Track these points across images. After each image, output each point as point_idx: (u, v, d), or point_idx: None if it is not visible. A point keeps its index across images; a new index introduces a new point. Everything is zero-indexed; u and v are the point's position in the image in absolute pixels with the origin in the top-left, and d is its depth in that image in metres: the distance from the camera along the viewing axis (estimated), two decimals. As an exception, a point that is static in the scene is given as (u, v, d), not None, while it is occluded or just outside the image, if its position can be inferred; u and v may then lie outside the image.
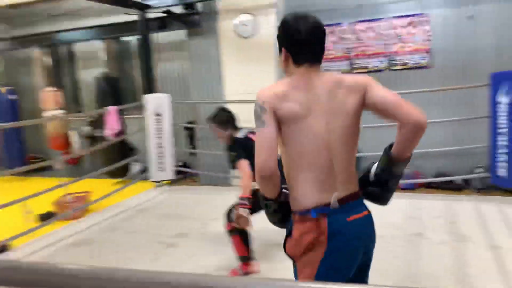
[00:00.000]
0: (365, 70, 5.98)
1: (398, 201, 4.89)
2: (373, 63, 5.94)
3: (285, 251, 1.73)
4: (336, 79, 1.64)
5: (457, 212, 4.48)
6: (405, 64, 5.79)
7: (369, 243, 1.72)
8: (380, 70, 5.91)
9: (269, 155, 1.54)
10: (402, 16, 5.72)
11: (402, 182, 5.49)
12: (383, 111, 1.61)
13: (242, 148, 3.05)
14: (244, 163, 2.97)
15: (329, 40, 6.11)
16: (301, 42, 1.62)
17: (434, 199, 5.01)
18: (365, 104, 1.64)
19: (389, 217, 4.45)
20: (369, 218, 1.71)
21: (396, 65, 5.84)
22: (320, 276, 1.59)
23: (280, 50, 1.70)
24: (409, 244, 3.75)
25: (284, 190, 1.70)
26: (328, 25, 6.08)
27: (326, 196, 1.61)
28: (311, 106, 1.59)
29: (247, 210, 2.80)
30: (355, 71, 6.02)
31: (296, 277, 1.71)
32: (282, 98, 1.57)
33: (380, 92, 1.62)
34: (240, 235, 3.18)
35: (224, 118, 3.30)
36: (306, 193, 1.63)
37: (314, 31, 1.63)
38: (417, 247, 3.68)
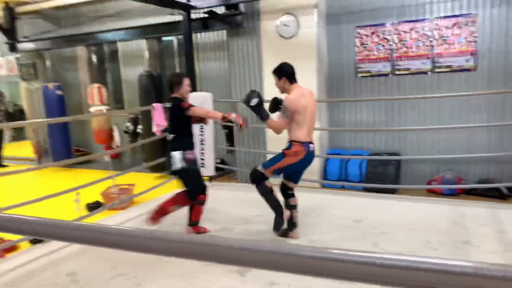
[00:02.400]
0: (407, 72, 5.89)
1: (440, 206, 4.83)
2: (416, 65, 5.84)
3: (284, 153, 3.81)
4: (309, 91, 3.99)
5: (504, 221, 4.30)
6: (449, 66, 5.67)
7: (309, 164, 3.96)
8: (423, 72, 5.82)
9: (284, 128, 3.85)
10: (447, 17, 5.61)
11: (443, 187, 5.37)
12: None
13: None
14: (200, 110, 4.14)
15: (372, 40, 6.06)
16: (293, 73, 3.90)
17: (477, 206, 4.84)
18: None
19: (434, 222, 4.37)
20: (314, 152, 3.92)
21: (440, 67, 5.73)
22: (289, 166, 3.84)
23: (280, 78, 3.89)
24: (458, 252, 3.63)
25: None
26: (370, 26, 6.03)
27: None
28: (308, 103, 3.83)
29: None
30: (397, 72, 5.95)
31: (275, 159, 3.89)
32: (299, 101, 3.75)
33: None
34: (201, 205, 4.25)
35: None
36: (302, 135, 3.81)
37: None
38: (467, 256, 3.53)
